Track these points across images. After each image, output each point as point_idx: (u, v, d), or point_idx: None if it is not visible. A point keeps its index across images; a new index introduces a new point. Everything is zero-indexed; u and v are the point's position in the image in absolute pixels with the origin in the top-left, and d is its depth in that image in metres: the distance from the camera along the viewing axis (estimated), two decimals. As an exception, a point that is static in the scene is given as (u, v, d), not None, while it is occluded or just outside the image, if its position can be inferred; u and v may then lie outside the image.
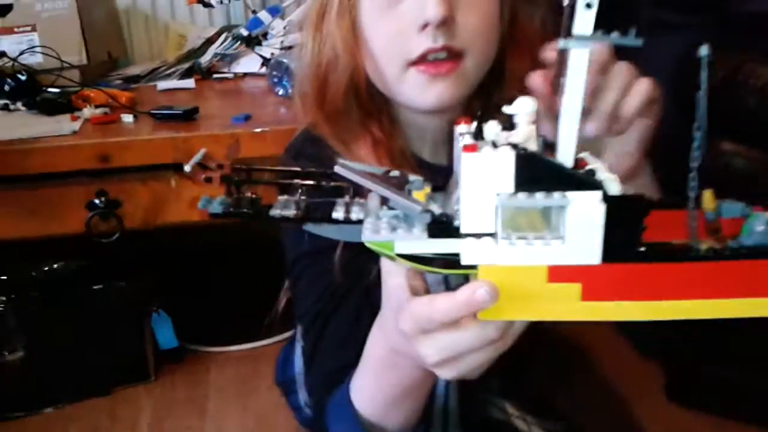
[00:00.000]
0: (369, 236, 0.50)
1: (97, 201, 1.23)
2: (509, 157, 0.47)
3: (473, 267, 0.50)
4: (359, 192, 0.53)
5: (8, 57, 1.63)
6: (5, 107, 1.54)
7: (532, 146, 0.50)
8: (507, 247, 0.49)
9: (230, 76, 1.84)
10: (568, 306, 0.50)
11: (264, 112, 1.42)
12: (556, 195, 0.47)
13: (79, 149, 1.32)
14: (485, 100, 0.85)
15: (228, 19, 2.11)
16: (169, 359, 1.69)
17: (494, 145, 0.48)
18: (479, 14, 0.78)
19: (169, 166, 1.35)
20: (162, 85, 1.73)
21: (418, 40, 0.76)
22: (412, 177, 0.54)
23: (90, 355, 1.57)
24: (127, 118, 1.43)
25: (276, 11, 1.81)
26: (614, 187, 0.48)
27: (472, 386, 0.67)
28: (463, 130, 0.51)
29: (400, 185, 0.52)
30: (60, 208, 1.31)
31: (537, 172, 0.48)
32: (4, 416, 1.51)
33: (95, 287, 1.55)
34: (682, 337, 1.48)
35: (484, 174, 0.48)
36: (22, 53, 1.63)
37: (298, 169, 0.55)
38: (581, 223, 0.48)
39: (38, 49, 1.66)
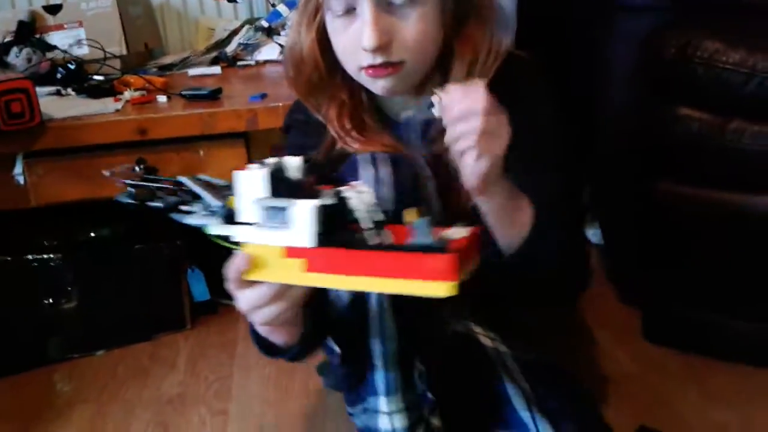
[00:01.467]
0: (187, 220, 0.81)
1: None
2: (263, 174, 0.73)
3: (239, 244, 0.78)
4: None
5: (59, 49, 1.89)
6: (58, 92, 1.79)
7: (295, 173, 0.76)
8: (260, 232, 0.75)
9: (252, 63, 2.07)
10: (298, 274, 0.74)
11: (278, 92, 1.65)
12: (284, 201, 0.72)
13: (121, 125, 1.56)
14: (441, 75, 1.07)
15: (251, 12, 2.34)
16: (203, 311, 1.93)
17: (261, 165, 0.75)
18: (416, 32, 0.98)
19: (197, 138, 1.59)
20: (192, 72, 1.97)
21: (364, 55, 0.98)
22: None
23: (133, 306, 1.81)
24: (162, 98, 1.66)
25: (293, 4, 2.04)
26: (329, 200, 0.73)
27: (434, 305, 0.78)
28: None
29: (219, 191, 0.81)
30: (107, 175, 1.55)
31: (281, 185, 0.73)
32: (63, 357, 1.76)
33: (137, 247, 1.79)
34: (658, 284, 1.66)
35: (248, 183, 0.74)
36: (71, 46, 1.88)
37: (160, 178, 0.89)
38: (300, 219, 0.72)
39: (85, 42, 1.91)
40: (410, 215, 0.71)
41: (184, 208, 0.82)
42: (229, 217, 0.77)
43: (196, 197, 0.82)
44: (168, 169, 1.53)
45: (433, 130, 1.06)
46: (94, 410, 1.55)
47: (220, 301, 1.99)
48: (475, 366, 1.21)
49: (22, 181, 1.59)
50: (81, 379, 1.68)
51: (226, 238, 0.78)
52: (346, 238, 0.72)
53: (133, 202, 0.87)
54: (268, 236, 0.74)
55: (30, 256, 1.73)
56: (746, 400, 1.41)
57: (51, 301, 1.75)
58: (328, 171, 0.91)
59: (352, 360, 1.10)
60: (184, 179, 0.83)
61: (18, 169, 1.59)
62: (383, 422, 1.11)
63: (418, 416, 1.12)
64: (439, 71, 1.07)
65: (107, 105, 1.64)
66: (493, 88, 0.87)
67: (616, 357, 1.61)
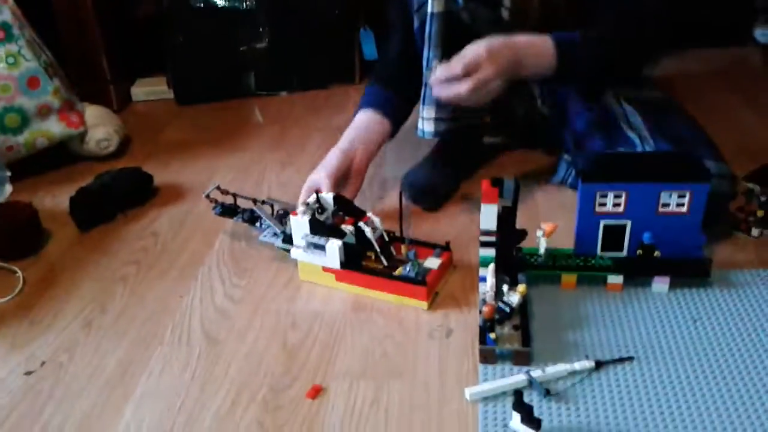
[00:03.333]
0: (261, 239, 1.26)
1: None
2: (306, 219, 1.15)
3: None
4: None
5: None
6: None
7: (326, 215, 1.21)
8: (308, 254, 1.18)
9: None
10: (333, 282, 1.18)
11: None
12: (320, 238, 1.15)
13: None
14: None
15: None
16: (371, 68, 2.13)
17: (306, 207, 1.18)
18: None
19: None
20: None
21: None
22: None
23: (313, 55, 2.05)
24: None
25: None
26: (350, 240, 1.15)
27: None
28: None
29: (281, 218, 1.29)
30: None
31: (317, 226, 1.16)
32: (254, 92, 2.06)
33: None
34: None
35: (297, 224, 1.17)
36: None
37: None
38: (331, 252, 1.15)
39: None
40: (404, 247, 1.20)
41: (257, 224, 1.30)
42: (288, 238, 1.21)
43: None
44: None
45: None
46: (279, 130, 1.84)
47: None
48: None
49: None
50: (268, 109, 1.97)
51: (288, 249, 1.21)
52: (359, 265, 1.16)
53: (221, 215, 1.33)
54: (314, 258, 1.17)
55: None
56: None
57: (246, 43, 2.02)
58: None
59: None
60: (256, 209, 1.31)
61: None
62: (419, 123, 1.39)
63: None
64: None
65: None
66: None
67: (758, 131, 1.65)
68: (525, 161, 1.57)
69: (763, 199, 1.21)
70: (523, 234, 1.13)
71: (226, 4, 1.97)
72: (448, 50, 1.26)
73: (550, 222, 1.14)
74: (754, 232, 1.24)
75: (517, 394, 0.87)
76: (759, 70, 1.93)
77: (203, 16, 1.97)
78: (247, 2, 1.96)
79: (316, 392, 0.97)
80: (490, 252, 1.10)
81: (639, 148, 1.26)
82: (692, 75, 1.99)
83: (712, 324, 1.06)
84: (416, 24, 1.37)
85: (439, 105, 1.35)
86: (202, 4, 1.96)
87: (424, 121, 1.38)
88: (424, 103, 1.37)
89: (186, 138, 1.86)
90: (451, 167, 1.48)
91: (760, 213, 1.22)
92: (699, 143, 1.28)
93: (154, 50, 2.09)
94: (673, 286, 1.13)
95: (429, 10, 1.28)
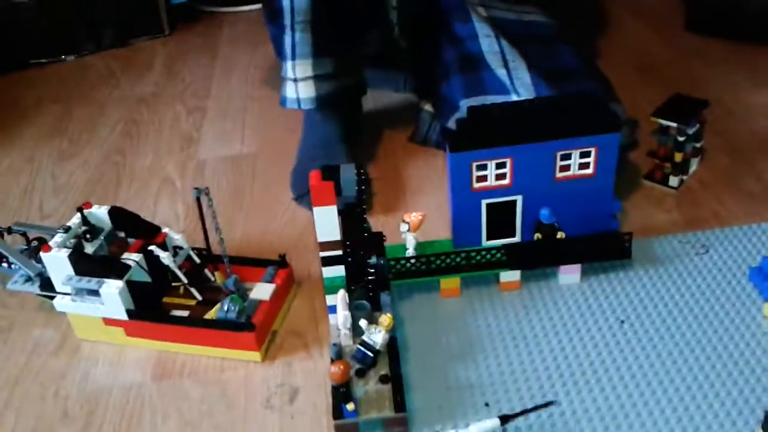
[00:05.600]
0: (10, 287, 0.86)
1: None
2: (64, 254, 0.78)
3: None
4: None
5: None
6: None
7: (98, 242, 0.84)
8: (78, 305, 0.80)
9: None
10: (122, 337, 0.82)
11: None
12: (91, 280, 0.78)
13: None
14: None
15: None
16: (182, 17, 1.71)
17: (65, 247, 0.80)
18: None
19: None
20: None
21: None
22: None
23: (105, 6, 1.58)
24: None
25: None
26: (138, 274, 0.80)
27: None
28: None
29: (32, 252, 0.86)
30: None
31: (84, 263, 0.79)
32: (27, 64, 1.58)
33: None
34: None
35: (54, 262, 0.79)
36: None
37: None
38: (110, 299, 0.78)
39: None
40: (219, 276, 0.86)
41: (4, 266, 0.87)
42: (47, 282, 0.82)
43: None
44: None
45: None
46: (62, 111, 1.40)
47: (201, 8, 1.77)
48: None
49: None
50: (47, 84, 1.51)
51: (51, 297, 0.83)
52: (157, 309, 0.82)
53: None
54: (87, 308, 0.80)
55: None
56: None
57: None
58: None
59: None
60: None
61: None
62: (289, 90, 0.96)
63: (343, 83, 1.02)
64: None
65: None
66: None
67: (652, 45, 1.39)
68: (379, 115, 1.23)
69: (680, 139, 0.93)
70: (380, 239, 0.81)
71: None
72: None
73: (417, 212, 0.82)
74: (673, 181, 0.97)
75: None
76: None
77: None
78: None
79: None
80: (338, 271, 0.77)
81: (510, 89, 0.94)
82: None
83: (642, 322, 0.78)
84: None
85: (316, 55, 0.98)
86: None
87: (298, 85, 1.00)
88: (292, 59, 0.99)
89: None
90: (342, 143, 1.07)
91: (677, 157, 0.95)
92: (586, 76, 0.98)
93: None
94: (584, 272, 0.84)
95: None
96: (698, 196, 0.97)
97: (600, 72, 1.02)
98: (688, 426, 0.66)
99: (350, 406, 0.67)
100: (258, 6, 1.74)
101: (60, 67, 1.58)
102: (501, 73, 0.96)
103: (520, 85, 0.94)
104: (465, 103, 0.96)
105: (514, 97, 0.94)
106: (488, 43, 0.99)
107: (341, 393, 0.68)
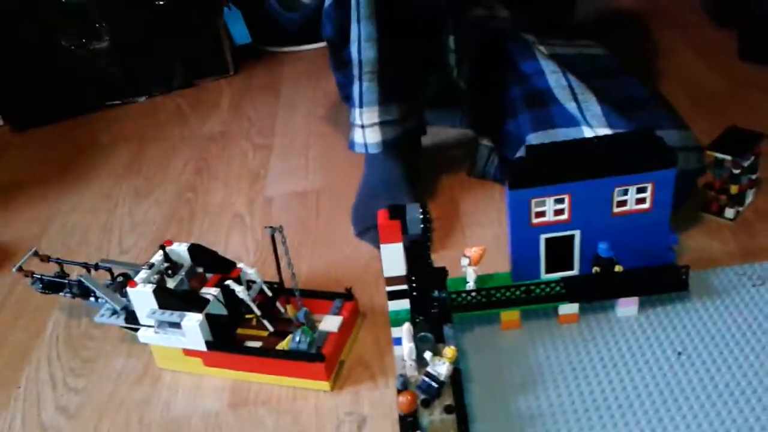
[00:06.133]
0: (97, 319, 0.93)
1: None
2: (149, 289, 0.84)
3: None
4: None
5: None
6: None
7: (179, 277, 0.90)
8: (160, 336, 0.87)
9: None
10: (200, 367, 0.88)
11: None
12: (173, 313, 0.84)
13: None
14: None
15: None
16: (246, 57, 1.79)
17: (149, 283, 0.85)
18: None
19: None
20: None
21: None
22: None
23: (172, 48, 1.68)
24: None
25: None
26: (216, 308, 0.85)
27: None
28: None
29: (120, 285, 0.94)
30: None
31: (166, 297, 0.84)
32: (102, 105, 1.68)
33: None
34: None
35: (139, 297, 0.85)
36: None
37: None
38: (190, 331, 0.84)
39: None
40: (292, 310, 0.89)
41: (92, 300, 0.96)
42: (132, 316, 0.88)
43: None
44: None
45: None
46: (135, 149, 1.48)
47: (264, 48, 1.85)
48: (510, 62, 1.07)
49: None
50: (121, 124, 1.60)
51: (135, 329, 0.89)
52: (233, 341, 0.88)
53: (44, 291, 0.99)
54: (170, 340, 0.86)
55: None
56: None
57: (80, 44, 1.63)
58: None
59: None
60: (83, 279, 0.93)
61: None
62: (357, 135, 1.01)
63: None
64: None
65: None
66: None
67: (705, 76, 1.40)
68: (436, 150, 1.27)
69: (736, 171, 0.95)
70: (443, 274, 0.84)
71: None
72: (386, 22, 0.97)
73: (476, 245, 0.86)
74: (728, 213, 0.98)
75: None
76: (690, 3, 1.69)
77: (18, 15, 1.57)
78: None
79: None
80: (403, 305, 0.81)
81: (580, 121, 0.97)
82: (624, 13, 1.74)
83: (700, 354, 0.80)
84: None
85: (383, 103, 1.03)
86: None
87: (365, 131, 1.05)
88: (360, 106, 1.05)
89: (15, 176, 1.48)
90: (404, 182, 1.12)
91: (733, 189, 0.96)
92: (654, 105, 1.00)
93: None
94: (642, 304, 0.86)
95: None
96: (755, 228, 0.98)
97: (666, 100, 1.04)
98: (749, 458, 0.67)
99: (417, 434, 0.70)
100: (317, 45, 1.82)
101: (132, 108, 1.68)
102: (571, 106, 0.99)
103: (591, 117, 0.96)
104: (533, 137, 0.99)
105: (586, 129, 0.96)
106: (555, 79, 1.03)
107: (409, 422, 0.71)
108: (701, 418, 0.72)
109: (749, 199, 1.01)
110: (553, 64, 1.05)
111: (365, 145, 1.05)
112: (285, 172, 1.30)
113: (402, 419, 0.72)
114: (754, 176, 0.99)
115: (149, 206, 1.27)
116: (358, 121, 1.04)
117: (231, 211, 1.21)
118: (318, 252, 1.07)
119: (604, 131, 0.95)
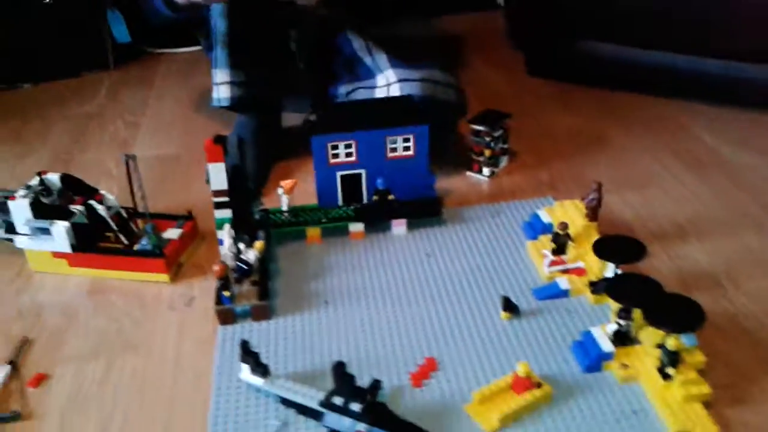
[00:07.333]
0: None
1: None
2: (26, 202, 1.06)
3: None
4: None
5: None
6: None
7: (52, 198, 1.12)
8: (33, 241, 1.09)
9: None
10: (66, 267, 1.12)
11: None
12: (44, 221, 1.09)
13: None
14: None
15: None
16: (126, 55, 2.03)
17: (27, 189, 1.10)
18: None
19: None
20: None
21: None
22: None
23: (59, 42, 1.90)
24: None
25: None
26: (80, 219, 1.09)
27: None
28: None
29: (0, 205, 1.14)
30: None
31: (40, 209, 1.08)
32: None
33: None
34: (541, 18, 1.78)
35: (18, 209, 1.08)
36: None
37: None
38: (59, 236, 1.07)
39: None
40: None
41: None
42: (10, 226, 1.10)
43: None
44: None
45: None
46: (19, 125, 1.69)
47: (143, 48, 2.09)
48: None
49: None
50: (6, 104, 1.80)
51: (11, 239, 1.11)
52: (93, 246, 1.10)
53: None
54: (41, 244, 1.09)
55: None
56: (596, 111, 1.60)
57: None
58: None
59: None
60: None
61: None
62: (214, 92, 1.37)
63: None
64: None
65: None
66: None
67: (499, 85, 1.77)
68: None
69: (488, 139, 1.29)
70: (255, 193, 1.13)
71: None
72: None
73: (290, 179, 1.14)
74: (486, 171, 1.32)
75: (243, 343, 0.86)
76: (500, 31, 2.08)
77: None
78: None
79: (39, 380, 0.90)
80: (225, 213, 1.08)
81: (375, 71, 1.33)
82: (447, 39, 2.10)
83: (443, 256, 1.11)
84: None
85: (233, 66, 1.34)
86: None
87: (219, 88, 1.36)
88: (215, 67, 1.35)
89: None
90: (254, 144, 1.37)
91: (487, 153, 1.30)
92: (428, 58, 1.36)
93: None
94: (411, 227, 1.17)
95: None
96: (503, 183, 1.32)
97: (439, 58, 1.42)
98: (450, 315, 0.99)
99: (227, 293, 0.97)
100: (191, 48, 2.08)
101: (17, 93, 1.88)
102: (368, 60, 1.36)
103: (383, 65, 1.33)
104: (342, 88, 1.38)
105: (379, 76, 1.32)
106: (359, 44, 1.40)
107: (221, 286, 0.99)
108: (442, 297, 1.03)
109: (503, 163, 1.36)
110: (359, 38, 1.40)
111: (219, 99, 1.35)
112: (150, 142, 1.55)
113: (218, 289, 0.99)
114: (505, 146, 1.34)
115: (31, 165, 1.48)
116: (214, 80, 1.35)
117: (101, 167, 1.45)
118: (173, 196, 1.32)
119: (391, 74, 1.29)
